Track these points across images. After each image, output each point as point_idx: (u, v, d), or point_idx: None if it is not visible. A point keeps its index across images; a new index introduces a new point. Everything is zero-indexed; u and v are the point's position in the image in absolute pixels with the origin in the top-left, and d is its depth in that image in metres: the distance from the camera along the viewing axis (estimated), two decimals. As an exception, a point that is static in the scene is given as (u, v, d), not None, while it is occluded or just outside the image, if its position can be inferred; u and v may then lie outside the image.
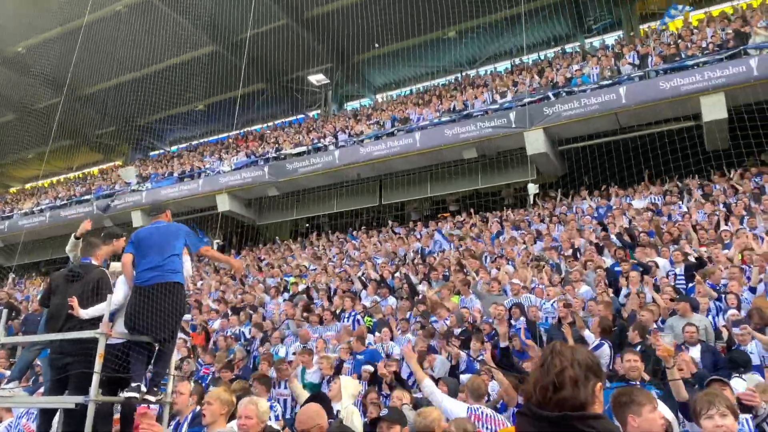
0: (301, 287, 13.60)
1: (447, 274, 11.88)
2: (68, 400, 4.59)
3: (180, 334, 9.03)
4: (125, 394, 4.65)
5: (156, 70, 26.74)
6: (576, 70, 17.58)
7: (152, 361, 5.04)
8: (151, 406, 5.07)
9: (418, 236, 16.57)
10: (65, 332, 4.71)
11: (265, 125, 29.95)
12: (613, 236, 11.94)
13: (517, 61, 23.68)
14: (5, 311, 5.87)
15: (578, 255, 11.50)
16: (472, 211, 17.87)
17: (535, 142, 16.21)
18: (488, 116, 17.23)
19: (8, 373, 6.95)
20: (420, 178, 19.92)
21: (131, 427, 5.10)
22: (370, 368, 7.64)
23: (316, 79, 28.40)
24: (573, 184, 17.62)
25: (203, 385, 7.18)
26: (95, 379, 4.43)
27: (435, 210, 21.27)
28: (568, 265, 10.98)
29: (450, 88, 23.28)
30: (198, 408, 4.71)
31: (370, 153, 18.84)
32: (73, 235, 5.60)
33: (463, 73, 25.47)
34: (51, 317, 4.81)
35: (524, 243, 12.93)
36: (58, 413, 4.91)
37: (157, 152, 33.97)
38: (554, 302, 9.15)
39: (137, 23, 23.80)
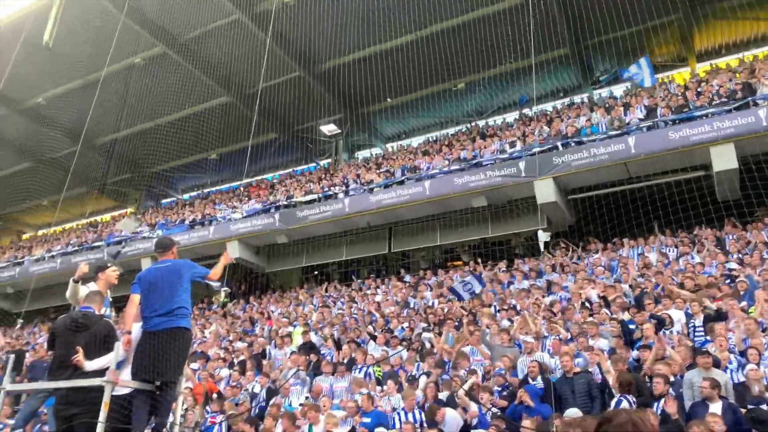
0: (309, 336, 13.41)
1: (458, 324, 11.70)
2: (70, 452, 4.50)
3: (185, 383, 8.90)
4: (128, 447, 4.56)
5: (170, 119, 27.35)
6: (585, 121, 17.77)
7: (155, 411, 4.95)
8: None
9: (428, 285, 16.45)
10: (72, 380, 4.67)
11: (277, 174, 30.31)
12: (625, 286, 11.79)
13: (526, 111, 24.02)
14: (12, 357, 5.83)
15: (588, 306, 11.32)
16: (479, 261, 17.76)
17: (545, 191, 16.24)
18: (498, 165, 17.33)
19: (11, 422, 6.83)
20: (429, 227, 19.90)
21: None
22: (384, 431, 7.46)
23: (328, 129, 28.85)
24: (583, 234, 17.55)
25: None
26: (100, 429, 4.35)
27: (445, 258, 21.17)
28: (581, 318, 10.78)
29: (459, 137, 23.56)
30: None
31: (379, 201, 18.92)
32: (71, 279, 5.59)
33: (472, 124, 25.82)
34: (57, 367, 4.76)
35: (538, 294, 12.77)
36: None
37: (168, 200, 34.33)
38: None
39: (153, 75, 24.48)
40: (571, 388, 7.93)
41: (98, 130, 26.71)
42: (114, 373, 4.55)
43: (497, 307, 12.70)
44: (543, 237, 13.45)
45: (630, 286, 11.83)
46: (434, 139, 26.20)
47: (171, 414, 5.02)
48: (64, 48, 21.60)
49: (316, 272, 23.54)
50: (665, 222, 15.39)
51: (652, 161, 15.39)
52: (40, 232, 37.33)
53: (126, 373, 4.76)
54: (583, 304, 11.45)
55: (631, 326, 9.65)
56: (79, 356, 4.58)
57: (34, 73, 23.96)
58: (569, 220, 17.71)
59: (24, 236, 38.21)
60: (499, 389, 8.55)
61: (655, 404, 6.91)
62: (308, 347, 12.37)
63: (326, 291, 19.68)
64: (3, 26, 23.02)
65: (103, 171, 30.42)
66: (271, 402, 9.41)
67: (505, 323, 11.32)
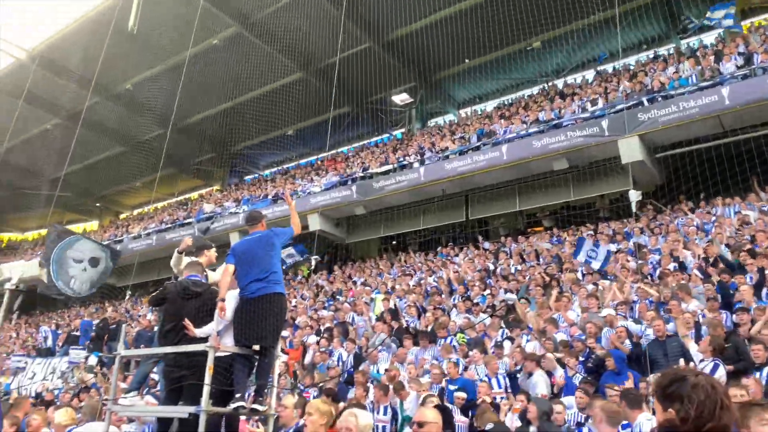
0: (390, 303, 13.66)
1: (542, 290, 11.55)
2: (182, 410, 4.87)
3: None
4: (233, 405, 4.88)
5: (248, 98, 28.21)
6: (672, 73, 16.72)
7: (255, 373, 5.27)
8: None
9: (508, 252, 16.27)
10: (179, 346, 5.05)
11: (351, 146, 30.68)
12: (721, 246, 11.17)
13: (606, 67, 22.86)
14: (123, 327, 6.37)
15: (683, 269, 10.83)
16: (552, 225, 17.25)
17: (631, 149, 15.49)
18: (579, 125, 16.69)
19: (124, 385, 7.47)
20: (508, 192, 19.56)
21: (237, 436, 5.35)
22: (464, 395, 7.52)
23: (400, 98, 28.77)
24: (673, 193, 16.68)
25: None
26: (206, 390, 4.68)
27: (525, 224, 20.78)
28: (674, 281, 10.33)
29: (537, 98, 22.83)
30: (301, 421, 4.83)
31: (455, 168, 18.75)
32: (176, 250, 6.00)
33: (550, 83, 24.91)
34: (168, 332, 5.14)
35: (625, 258, 12.35)
36: (174, 421, 5.25)
37: (251, 177, 35.61)
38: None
39: (230, 55, 25.23)
40: (663, 352, 7.68)
41: (183, 112, 27.95)
42: (215, 338, 4.86)
43: (583, 272, 12.40)
44: (634, 196, 12.83)
45: (726, 245, 11.19)
46: (510, 102, 25.54)
47: (270, 376, 5.31)
48: (148, 34, 22.62)
49: (394, 242, 23.82)
50: (765, 178, 14.34)
51: (750, 112, 14.30)
52: (135, 212, 39.89)
53: (228, 338, 5.07)
54: (677, 265, 10.97)
55: (730, 289, 9.18)
56: (188, 325, 4.91)
57: (122, 60, 25.25)
58: (657, 179, 16.88)
59: (121, 216, 40.97)
60: (584, 358, 8.40)
61: (757, 373, 6.58)
62: (390, 314, 12.62)
63: (405, 261, 19.89)
64: (92, 16, 24.34)
65: (190, 152, 31.94)
66: (359, 368, 9.72)
67: (590, 287, 11.06)
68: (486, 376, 8.33)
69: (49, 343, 19.24)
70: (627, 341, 8.20)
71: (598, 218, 17.87)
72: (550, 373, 7.66)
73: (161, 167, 23.28)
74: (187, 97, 24.78)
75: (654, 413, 5.64)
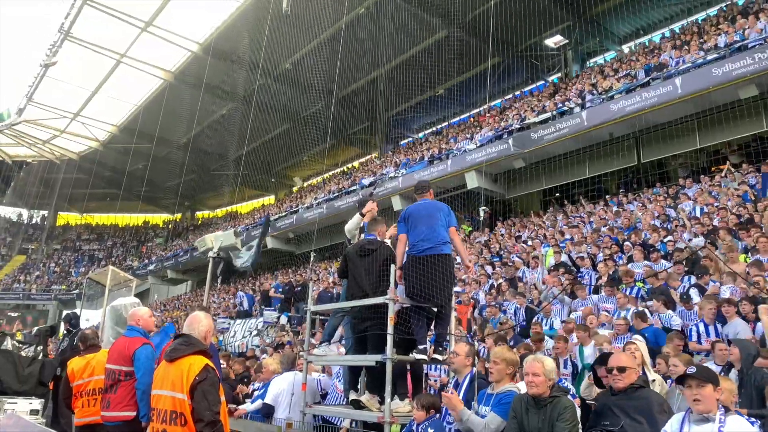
0: (562, 257, 13.24)
1: (733, 232, 10.42)
2: (370, 358, 5.26)
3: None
4: (415, 356, 5.15)
5: (397, 63, 28.56)
6: None
7: (434, 324, 5.51)
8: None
9: (690, 194, 14.83)
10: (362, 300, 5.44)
11: (505, 98, 29.77)
12: None
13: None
14: (311, 285, 6.98)
15: None
16: (740, 161, 15.25)
17: (841, 64, 13.16)
18: (769, 44, 14.51)
19: (312, 341, 8.22)
20: (685, 129, 17.72)
21: (422, 383, 5.65)
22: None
23: (553, 41, 27.18)
24: None
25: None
26: (389, 340, 4.99)
27: (708, 162, 18.73)
28: None
29: (714, 21, 20.18)
30: (475, 370, 4.94)
31: (622, 108, 17.37)
32: (358, 213, 6.40)
33: (728, 3, 21.81)
34: (354, 289, 5.55)
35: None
36: (363, 369, 5.70)
37: (406, 141, 36.29)
38: None
39: (377, 22, 25.60)
40: None
41: (338, 84, 29.18)
42: (393, 291, 5.13)
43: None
44: None
45: None
46: (680, 29, 22.88)
47: (447, 327, 5.51)
48: (300, 13, 23.75)
49: (558, 194, 22.88)
50: None
51: None
52: (305, 184, 42.91)
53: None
54: None
55: None
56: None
57: (281, 41, 26.89)
58: None
59: (294, 188, 44.34)
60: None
61: None
62: (562, 267, 12.24)
63: (572, 211, 19.02)
64: (252, 2, 26.13)
65: (347, 122, 33.34)
66: (532, 322, 9.61)
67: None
68: (702, 321, 7.66)
69: (245, 306, 21.63)
70: None
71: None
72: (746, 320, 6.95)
73: (324, 140, 24.57)
74: (341, 69, 25.78)
75: None
